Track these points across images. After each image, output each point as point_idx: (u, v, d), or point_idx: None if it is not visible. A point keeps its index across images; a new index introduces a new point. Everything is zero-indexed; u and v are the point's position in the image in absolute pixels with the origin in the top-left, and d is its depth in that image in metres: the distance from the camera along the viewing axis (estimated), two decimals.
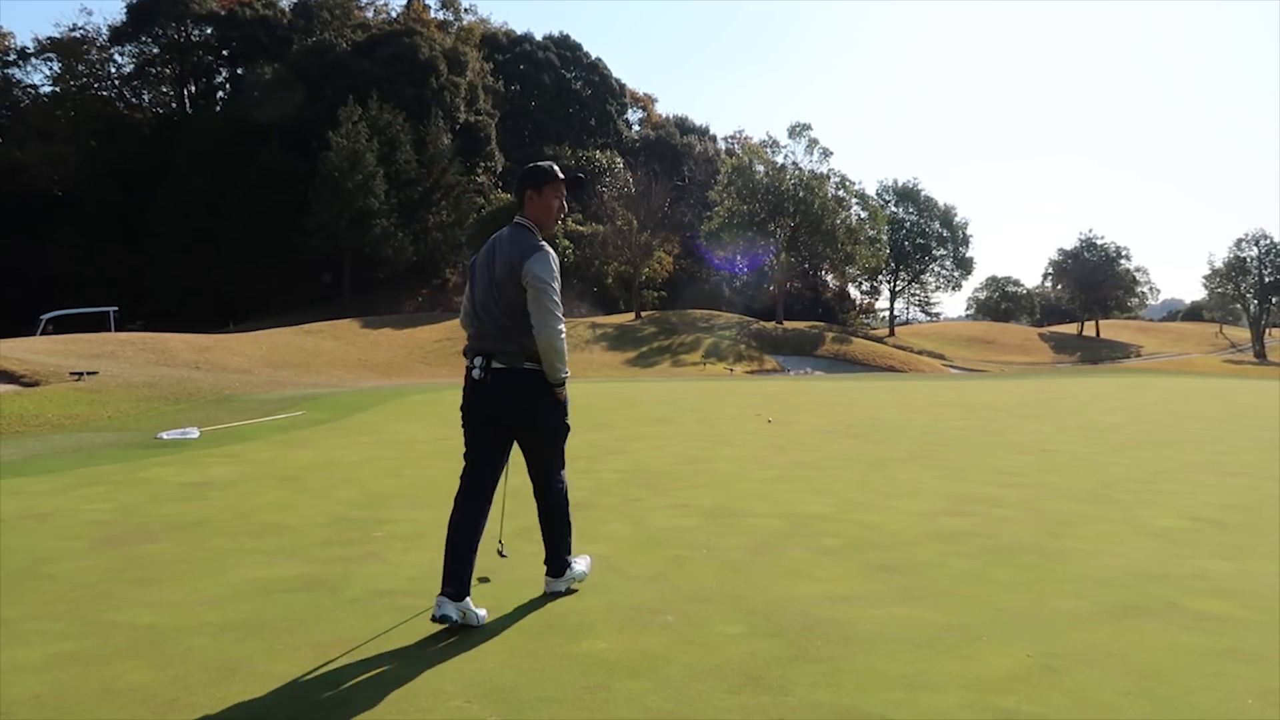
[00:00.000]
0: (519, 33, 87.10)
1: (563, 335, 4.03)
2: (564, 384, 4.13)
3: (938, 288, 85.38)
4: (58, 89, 75.00)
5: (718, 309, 65.90)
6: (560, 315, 4.02)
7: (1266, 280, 79.76)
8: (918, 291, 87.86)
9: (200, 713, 2.99)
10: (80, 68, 74.51)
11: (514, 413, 4.04)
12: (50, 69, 74.39)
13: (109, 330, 39.76)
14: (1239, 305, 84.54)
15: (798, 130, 66.15)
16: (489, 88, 75.25)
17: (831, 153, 67.67)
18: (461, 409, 4.11)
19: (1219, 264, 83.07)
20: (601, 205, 63.50)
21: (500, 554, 4.44)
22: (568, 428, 4.27)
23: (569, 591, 4.42)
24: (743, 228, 64.54)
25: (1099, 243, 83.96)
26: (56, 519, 6.21)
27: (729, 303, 73.96)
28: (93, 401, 13.66)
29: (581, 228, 63.03)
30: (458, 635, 3.81)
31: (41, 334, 37.58)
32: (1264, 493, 7.55)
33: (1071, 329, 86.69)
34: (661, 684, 3.24)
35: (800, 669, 3.40)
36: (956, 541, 5.56)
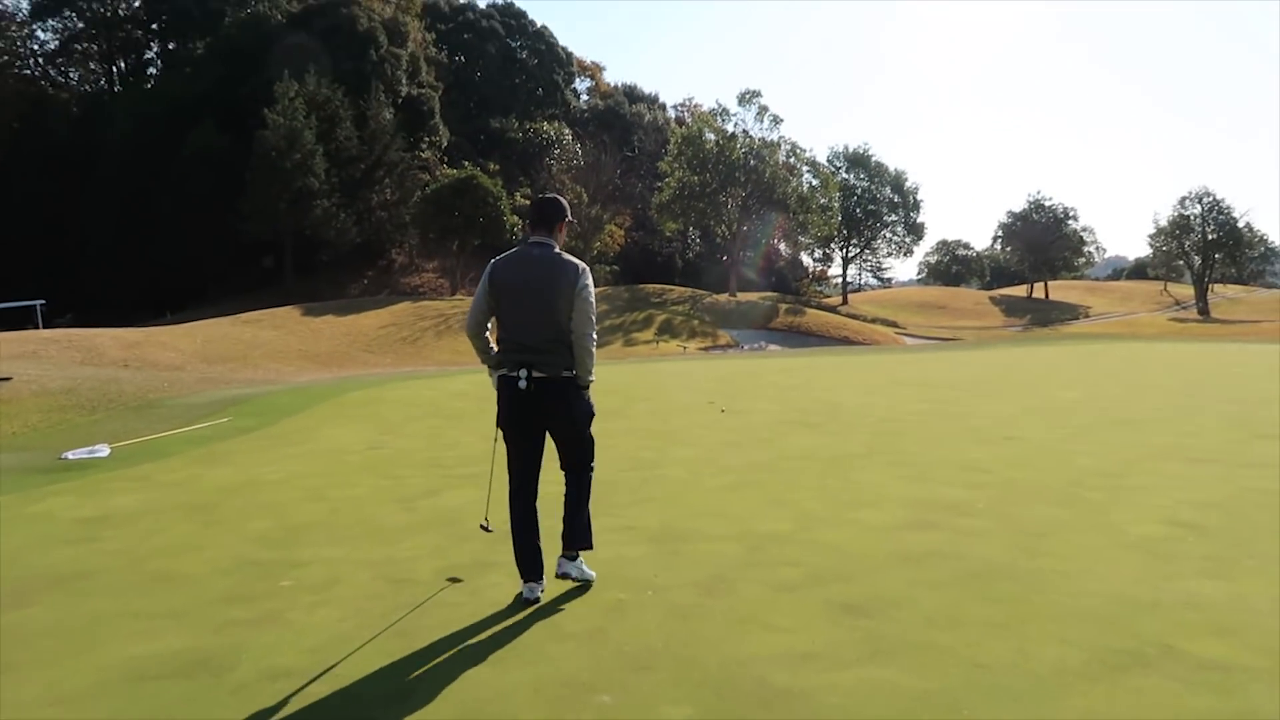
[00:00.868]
0: (462, 1, 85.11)
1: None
2: (590, 385, 4.68)
3: (889, 254, 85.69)
4: None
5: (670, 283, 65.33)
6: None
7: (1210, 238, 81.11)
8: (869, 258, 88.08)
9: None
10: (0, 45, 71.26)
11: (554, 415, 4.61)
12: None
13: (35, 326, 38.07)
14: (1182, 263, 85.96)
15: (747, 97, 65.59)
16: (431, 59, 73.46)
17: (782, 120, 67.65)
18: (503, 418, 4.62)
19: (1163, 222, 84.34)
20: (550, 178, 62.48)
21: (485, 528, 5.07)
22: (593, 412, 4.79)
23: (578, 580, 4.80)
24: (694, 199, 63.91)
25: (1047, 204, 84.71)
26: None
27: (682, 275, 73.48)
28: None
29: (529, 202, 61.91)
30: None
31: None
32: (1238, 485, 7.20)
33: (1021, 291, 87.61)
34: None
35: None
36: (925, 566, 5.09)
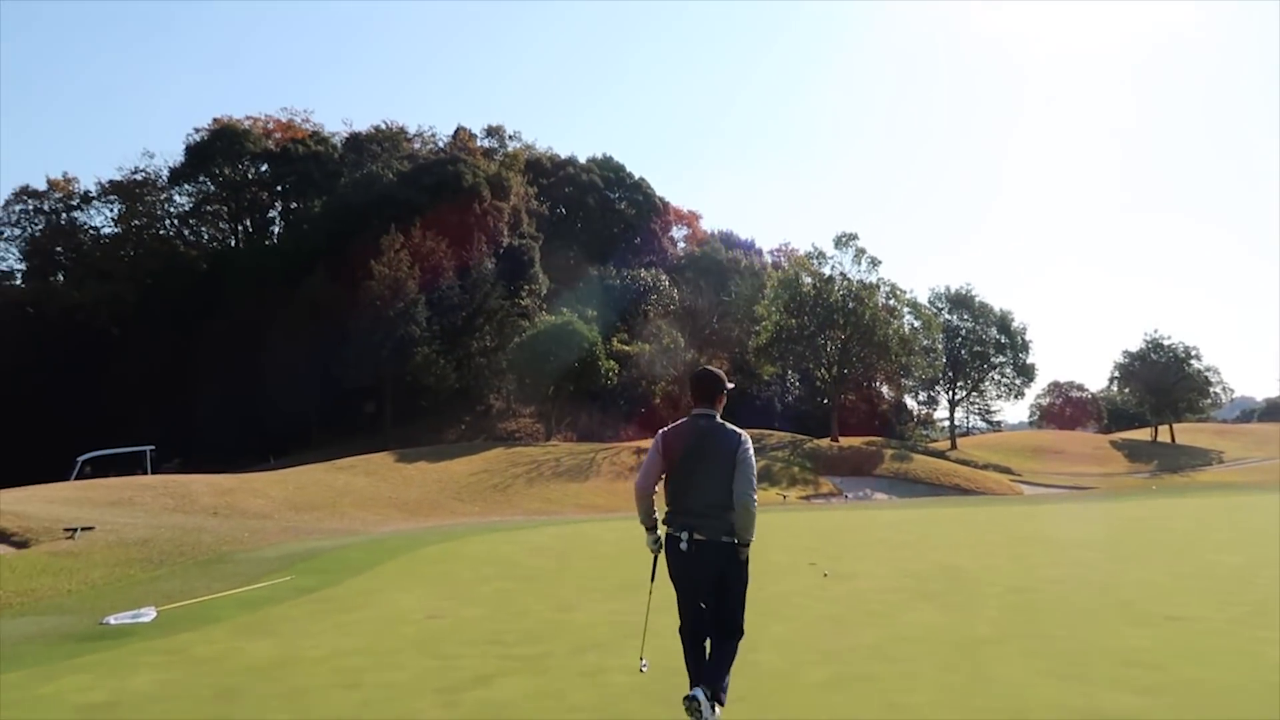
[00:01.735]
0: (563, 156, 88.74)
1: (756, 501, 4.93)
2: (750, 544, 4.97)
3: (999, 396, 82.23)
4: (119, 230, 77.58)
5: (770, 427, 63.79)
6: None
7: None
8: (977, 400, 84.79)
9: None
10: (140, 208, 77.12)
11: (713, 575, 4.97)
12: (112, 211, 77.15)
13: (144, 470, 39.01)
14: None
15: (844, 240, 65.12)
16: (533, 211, 76.07)
17: (880, 261, 66.08)
18: (670, 574, 5.07)
19: None
20: (647, 324, 62.67)
21: (642, 670, 5.45)
22: (748, 578, 5.12)
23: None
24: (792, 342, 62.98)
25: (1166, 343, 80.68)
26: None
27: (781, 419, 71.91)
28: (62, 570, 12.26)
29: (627, 348, 61.98)
30: None
31: (77, 476, 36.89)
32: None
33: (1144, 434, 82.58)
34: None
35: None
36: None
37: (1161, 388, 78.56)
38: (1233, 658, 6.73)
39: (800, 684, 6.23)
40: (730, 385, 5.33)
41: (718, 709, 4.90)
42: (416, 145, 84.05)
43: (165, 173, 76.00)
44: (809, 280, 65.37)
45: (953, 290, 78.42)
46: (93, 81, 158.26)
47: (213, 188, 77.88)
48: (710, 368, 5.43)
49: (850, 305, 63.10)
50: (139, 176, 75.88)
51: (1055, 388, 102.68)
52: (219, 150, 75.06)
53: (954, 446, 72.49)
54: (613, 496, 38.02)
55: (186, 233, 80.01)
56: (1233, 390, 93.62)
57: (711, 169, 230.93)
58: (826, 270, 65.52)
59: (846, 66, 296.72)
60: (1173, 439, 79.08)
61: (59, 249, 76.19)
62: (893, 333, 63.55)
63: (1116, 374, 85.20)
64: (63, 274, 74.23)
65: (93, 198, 75.81)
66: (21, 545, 15.43)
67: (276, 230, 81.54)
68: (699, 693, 4.78)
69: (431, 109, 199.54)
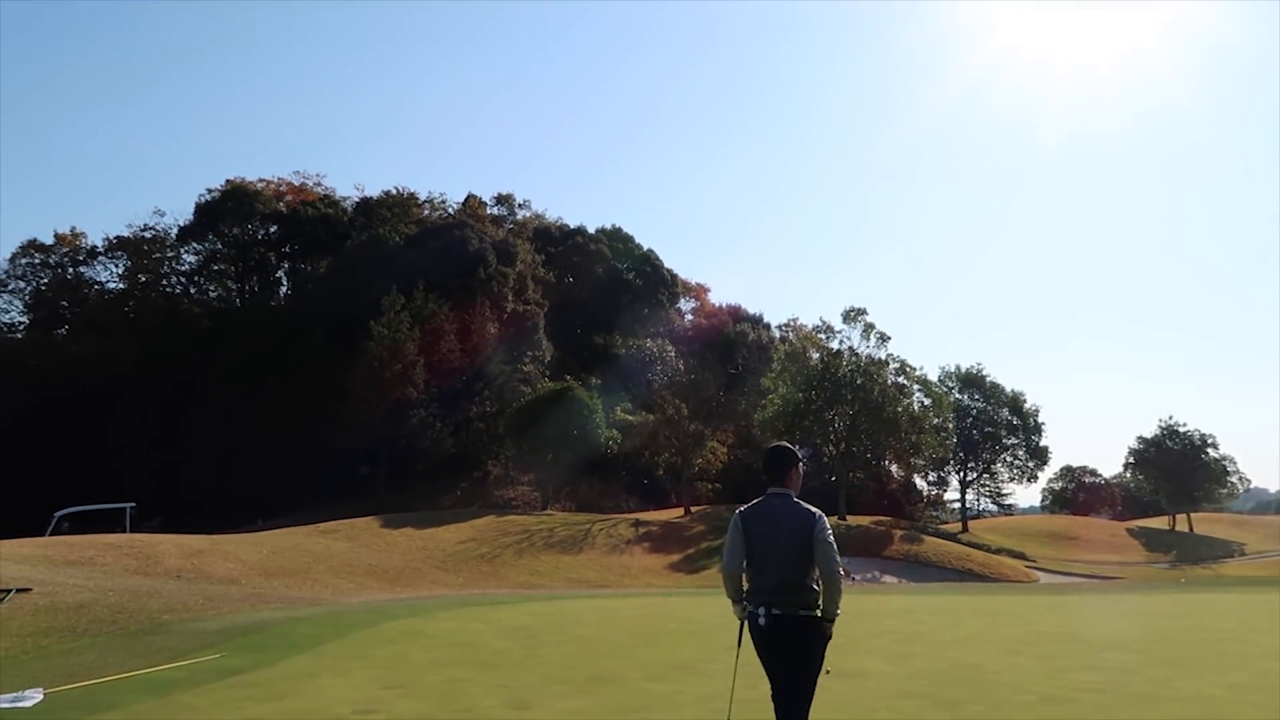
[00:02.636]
0: (572, 226, 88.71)
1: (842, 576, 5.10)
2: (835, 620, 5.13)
3: (1011, 478, 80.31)
4: (124, 285, 77.34)
5: None
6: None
7: None
8: (989, 482, 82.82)
9: None
10: (146, 264, 77.00)
11: (789, 649, 5.11)
12: (118, 266, 77.01)
13: (123, 528, 37.62)
14: None
15: (853, 315, 64.19)
16: (539, 278, 75.57)
17: (889, 337, 64.97)
18: (754, 645, 5.22)
19: None
20: (651, 394, 61.44)
21: None
22: (823, 660, 5.23)
23: None
24: (799, 416, 61.51)
25: (1182, 430, 79.00)
26: None
27: None
28: None
29: (630, 417, 60.60)
30: None
31: (53, 533, 35.56)
32: None
33: (1161, 523, 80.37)
34: None
35: None
36: None
37: (1178, 475, 76.69)
38: None
39: None
40: (802, 460, 5.43)
41: None
42: (426, 211, 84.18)
43: (174, 230, 76.10)
44: (816, 355, 64.28)
45: (963, 369, 77.28)
46: (109, 140, 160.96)
47: (220, 246, 77.82)
48: (782, 444, 5.51)
49: (859, 381, 61.83)
50: (148, 234, 75.99)
51: (1068, 472, 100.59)
52: (229, 210, 75.12)
53: (965, 529, 70.44)
54: (605, 571, 36.31)
55: (192, 290, 79.76)
56: (1249, 480, 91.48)
57: (722, 243, 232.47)
58: (835, 345, 64.48)
59: (860, 145, 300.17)
60: (1190, 528, 76.89)
61: (64, 303, 75.99)
62: (902, 410, 62.14)
63: (1131, 460, 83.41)
64: (66, 328, 73.84)
65: (100, 253, 75.81)
66: None
67: (282, 291, 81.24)
68: None
69: (444, 176, 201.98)
